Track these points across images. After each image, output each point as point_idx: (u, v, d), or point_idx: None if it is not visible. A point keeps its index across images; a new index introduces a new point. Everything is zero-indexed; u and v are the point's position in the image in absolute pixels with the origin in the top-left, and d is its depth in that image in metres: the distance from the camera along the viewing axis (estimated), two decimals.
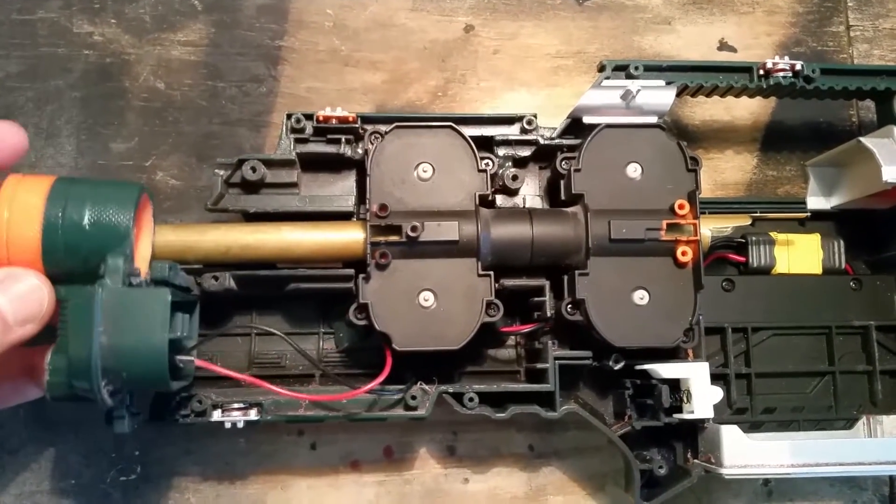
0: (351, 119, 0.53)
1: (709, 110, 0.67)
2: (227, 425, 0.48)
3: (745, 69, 0.56)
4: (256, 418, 0.48)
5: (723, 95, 0.58)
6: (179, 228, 0.50)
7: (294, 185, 0.53)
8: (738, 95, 0.58)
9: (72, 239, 0.41)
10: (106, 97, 0.62)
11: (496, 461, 0.60)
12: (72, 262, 0.42)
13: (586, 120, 0.54)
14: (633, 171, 0.52)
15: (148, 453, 0.57)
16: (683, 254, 0.50)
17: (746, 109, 0.67)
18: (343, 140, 0.53)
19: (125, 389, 0.41)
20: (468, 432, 0.60)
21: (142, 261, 0.46)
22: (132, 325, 0.39)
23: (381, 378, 0.48)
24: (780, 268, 0.58)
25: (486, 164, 0.52)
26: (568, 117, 0.55)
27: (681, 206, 0.51)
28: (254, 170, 0.52)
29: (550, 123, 0.56)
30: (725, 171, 0.66)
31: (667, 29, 0.68)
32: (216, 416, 0.48)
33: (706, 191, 0.64)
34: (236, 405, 0.48)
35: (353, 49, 0.65)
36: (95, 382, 0.38)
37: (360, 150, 0.53)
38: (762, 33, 0.69)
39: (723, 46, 0.68)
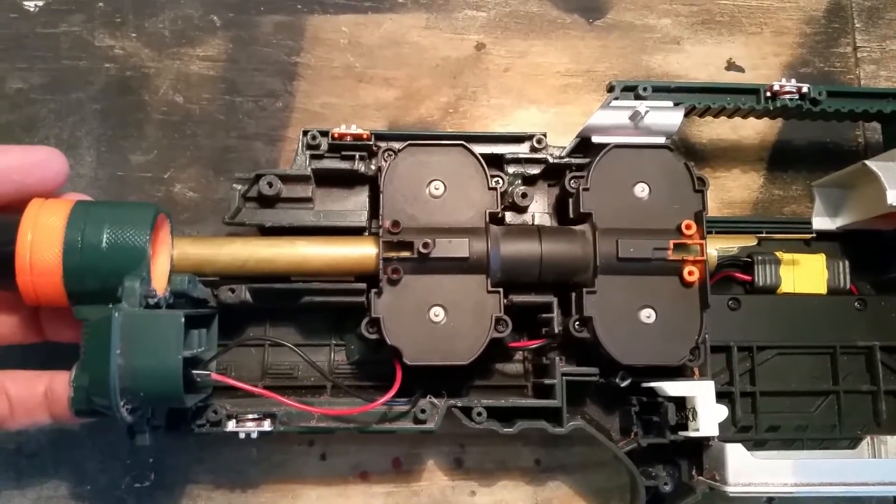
0: (365, 136, 0.54)
1: (716, 129, 0.67)
2: (242, 436, 0.49)
3: (753, 91, 0.56)
4: (270, 429, 0.49)
5: (730, 116, 0.58)
6: (198, 242, 0.51)
7: (309, 199, 0.54)
8: (745, 117, 0.58)
9: (91, 260, 0.43)
10: (126, 110, 0.64)
11: (502, 474, 0.60)
12: (91, 282, 0.43)
13: (595, 139, 0.55)
14: (641, 190, 0.53)
15: (162, 460, 0.58)
16: (690, 273, 0.51)
17: (753, 129, 0.67)
18: (357, 157, 0.54)
19: (144, 406, 0.43)
20: (476, 445, 0.60)
21: (160, 276, 0.47)
22: (148, 348, 0.41)
23: (391, 393, 0.49)
24: (786, 287, 0.58)
25: (497, 182, 0.53)
26: (577, 136, 0.55)
27: (688, 227, 0.51)
28: (270, 185, 0.53)
29: (560, 141, 0.57)
30: (732, 190, 0.67)
31: (675, 48, 0.69)
32: (231, 426, 0.49)
33: (713, 209, 0.65)
34: (250, 416, 0.49)
35: (367, 66, 0.66)
36: (114, 402, 0.39)
37: (373, 167, 0.54)
38: (770, 53, 0.70)
39: (731, 66, 0.69)
